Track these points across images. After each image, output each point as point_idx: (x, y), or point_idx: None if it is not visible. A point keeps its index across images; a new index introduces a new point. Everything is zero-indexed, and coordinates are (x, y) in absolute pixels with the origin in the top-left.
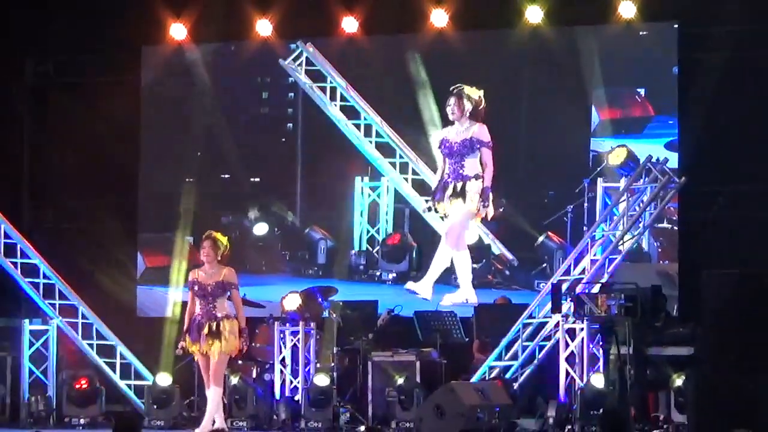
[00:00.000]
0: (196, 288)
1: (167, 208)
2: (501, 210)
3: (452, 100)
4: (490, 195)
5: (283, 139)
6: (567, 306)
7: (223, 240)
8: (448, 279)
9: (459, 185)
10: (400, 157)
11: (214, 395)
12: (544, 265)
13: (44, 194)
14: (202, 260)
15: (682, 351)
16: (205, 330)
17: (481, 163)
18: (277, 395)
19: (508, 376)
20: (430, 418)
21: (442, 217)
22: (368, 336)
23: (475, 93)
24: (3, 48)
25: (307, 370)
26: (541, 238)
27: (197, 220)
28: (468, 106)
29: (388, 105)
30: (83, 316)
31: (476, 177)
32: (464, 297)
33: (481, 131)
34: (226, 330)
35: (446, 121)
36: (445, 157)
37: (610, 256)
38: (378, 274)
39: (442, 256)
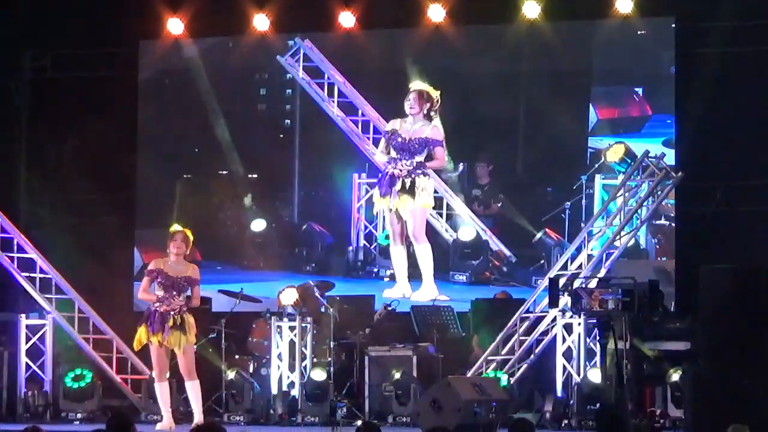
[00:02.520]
0: (159, 278)
1: (164, 204)
2: (499, 206)
3: (413, 96)
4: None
5: (281, 136)
6: (564, 301)
7: (190, 235)
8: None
9: (408, 181)
10: None
11: (195, 388)
12: (542, 261)
13: (41, 189)
14: (170, 252)
15: (679, 346)
16: (170, 323)
17: (434, 158)
18: (274, 390)
19: (505, 370)
20: (427, 412)
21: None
22: (365, 331)
23: (434, 92)
24: (0, 42)
25: (303, 364)
26: (538, 235)
27: (195, 217)
28: (426, 104)
29: (385, 101)
30: (80, 311)
31: (424, 174)
32: (432, 294)
33: (434, 132)
34: (187, 323)
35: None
36: (395, 149)
37: (607, 252)
38: (375, 270)
39: (424, 256)
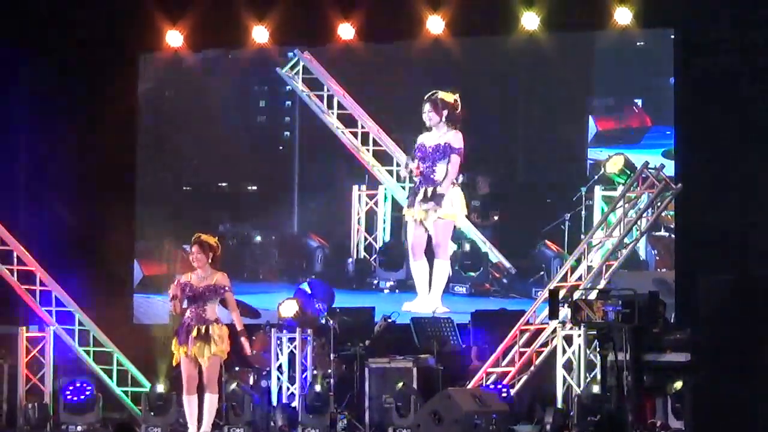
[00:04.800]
0: (188, 291)
1: (164, 217)
2: (497, 217)
3: (427, 107)
4: (443, 201)
5: (281, 148)
6: (564, 312)
7: (211, 241)
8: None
9: (430, 190)
10: (397, 165)
11: (211, 402)
12: (542, 273)
13: (41, 201)
14: (193, 266)
15: (680, 357)
16: (194, 333)
17: (447, 167)
18: (274, 402)
19: (505, 382)
20: (427, 424)
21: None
22: (365, 343)
23: (450, 97)
24: (1, 54)
25: (304, 376)
26: (538, 246)
27: (194, 229)
28: (444, 111)
29: (385, 112)
30: (80, 323)
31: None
32: (434, 306)
33: (455, 138)
34: (215, 334)
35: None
36: (418, 161)
37: (607, 263)
38: (375, 282)
39: (440, 272)
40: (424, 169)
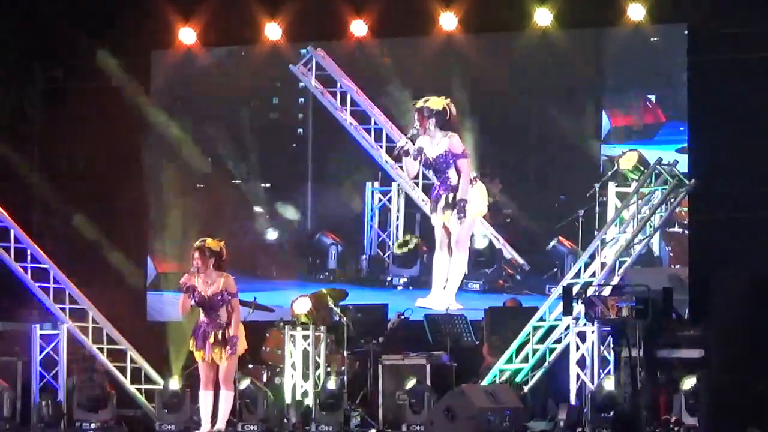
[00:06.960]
0: (194, 296)
1: (177, 214)
2: (511, 215)
3: (415, 116)
4: (466, 206)
5: (294, 145)
6: (578, 309)
7: (215, 246)
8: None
9: (451, 196)
10: None
11: (226, 398)
12: (555, 269)
13: (54, 199)
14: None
15: (693, 353)
16: (211, 339)
17: (459, 173)
18: (288, 399)
19: (518, 379)
20: (440, 421)
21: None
22: (378, 339)
23: (438, 104)
24: (13, 53)
25: (317, 373)
26: (552, 243)
27: (208, 226)
28: (430, 120)
29: (398, 109)
30: (94, 321)
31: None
32: (447, 303)
33: (452, 143)
34: (230, 336)
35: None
36: (425, 168)
37: (621, 259)
38: (389, 279)
39: (457, 267)
40: (438, 178)
